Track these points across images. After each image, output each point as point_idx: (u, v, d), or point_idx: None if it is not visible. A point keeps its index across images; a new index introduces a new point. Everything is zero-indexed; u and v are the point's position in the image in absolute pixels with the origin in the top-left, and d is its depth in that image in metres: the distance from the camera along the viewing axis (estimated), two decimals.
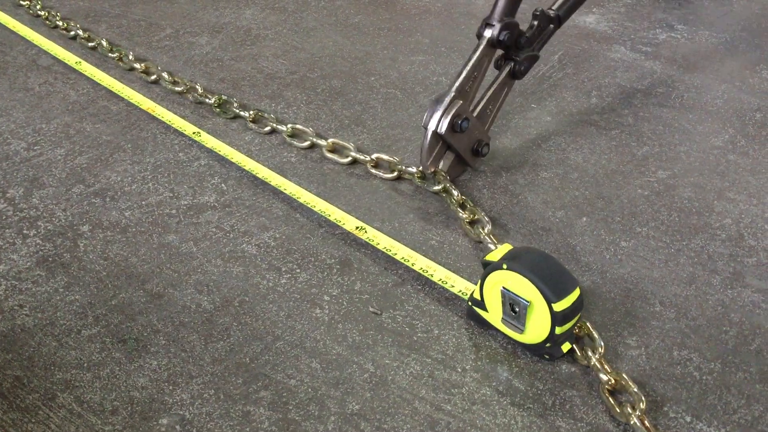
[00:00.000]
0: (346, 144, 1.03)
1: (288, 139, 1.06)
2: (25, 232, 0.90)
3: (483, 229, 0.88)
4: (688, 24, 1.43)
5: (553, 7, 1.02)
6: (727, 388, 0.72)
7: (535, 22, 1.00)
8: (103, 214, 0.93)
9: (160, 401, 0.70)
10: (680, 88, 1.22)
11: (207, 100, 1.14)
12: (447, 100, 0.91)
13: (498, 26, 0.95)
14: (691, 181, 1.00)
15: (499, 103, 1.01)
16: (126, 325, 0.78)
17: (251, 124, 1.10)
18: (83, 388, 0.71)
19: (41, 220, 0.92)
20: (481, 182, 1.00)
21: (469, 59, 0.95)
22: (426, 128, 0.92)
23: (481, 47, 0.95)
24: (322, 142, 1.04)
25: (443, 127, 0.91)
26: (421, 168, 0.96)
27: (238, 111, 1.12)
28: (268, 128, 1.09)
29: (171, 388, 0.71)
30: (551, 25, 1.02)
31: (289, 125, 1.07)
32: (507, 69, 0.99)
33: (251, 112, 1.10)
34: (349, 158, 1.02)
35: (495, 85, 0.99)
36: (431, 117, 0.91)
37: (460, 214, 0.91)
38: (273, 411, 0.69)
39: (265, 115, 1.11)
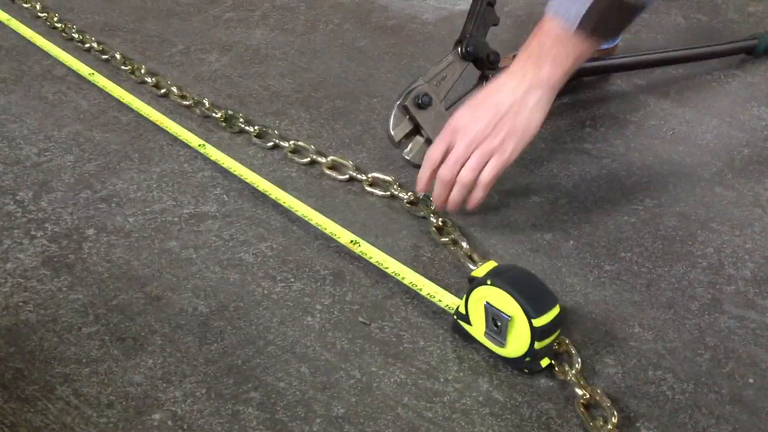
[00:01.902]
0: (345, 162, 1.07)
1: (289, 154, 1.10)
2: (32, 233, 0.94)
3: (460, 249, 0.93)
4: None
5: None
6: (698, 407, 0.75)
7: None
8: (108, 219, 0.97)
9: (153, 397, 0.73)
10: (672, 122, 1.26)
11: (214, 115, 1.19)
12: (414, 81, 1.03)
13: (465, 41, 1.08)
14: (676, 211, 1.04)
15: None
16: (125, 324, 0.82)
17: (255, 139, 1.14)
18: (81, 381, 0.75)
19: (48, 222, 0.96)
20: None
21: (442, 59, 1.08)
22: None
23: (452, 53, 1.08)
24: (322, 159, 1.08)
25: (408, 100, 1.01)
26: (414, 193, 1.02)
27: (243, 126, 1.16)
28: (270, 143, 1.13)
29: (165, 385, 0.75)
30: None
31: (291, 141, 1.11)
32: (479, 83, 1.12)
33: (256, 128, 1.15)
34: (347, 176, 1.06)
35: (470, 93, 1.09)
36: (399, 96, 1.03)
37: (440, 239, 0.96)
38: (261, 411, 0.73)
39: (269, 130, 1.15)
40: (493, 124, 0.89)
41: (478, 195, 0.93)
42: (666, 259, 0.95)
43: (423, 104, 1.02)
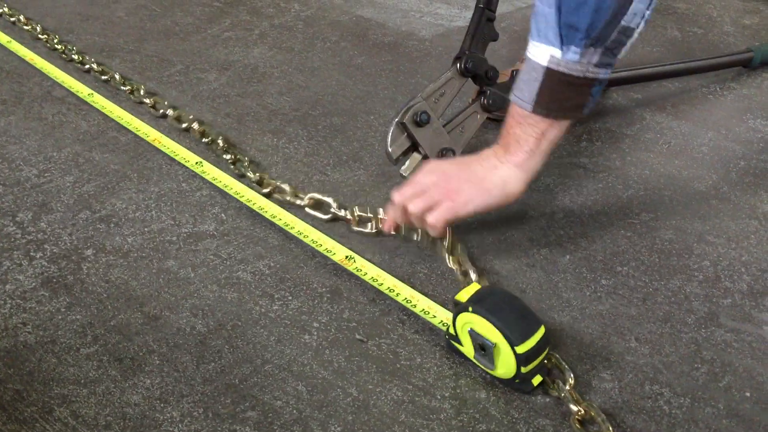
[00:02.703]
0: (326, 199, 1.03)
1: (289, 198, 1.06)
2: (32, 254, 0.95)
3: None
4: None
5: None
6: (695, 422, 0.75)
7: (511, 78, 1.15)
8: (107, 239, 0.98)
9: (151, 418, 0.74)
10: (668, 135, 1.27)
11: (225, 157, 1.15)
12: (412, 99, 1.04)
13: (465, 57, 1.09)
14: (672, 224, 1.04)
15: (472, 128, 1.11)
16: (123, 344, 0.82)
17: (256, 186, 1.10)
18: (79, 403, 0.75)
19: (48, 243, 0.97)
20: (470, 219, 1.03)
21: (440, 76, 1.08)
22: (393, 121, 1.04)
23: (451, 70, 1.09)
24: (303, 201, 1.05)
25: (406, 117, 1.02)
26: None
27: (245, 171, 1.11)
28: (267, 190, 1.08)
29: (162, 405, 0.75)
30: None
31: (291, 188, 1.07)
32: (479, 100, 1.11)
33: (257, 174, 1.10)
34: (330, 215, 1.03)
35: (466, 110, 1.10)
36: (398, 112, 1.03)
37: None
38: (258, 431, 0.73)
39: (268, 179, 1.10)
40: (457, 176, 0.93)
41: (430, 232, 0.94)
42: (662, 272, 0.95)
43: (421, 122, 1.03)
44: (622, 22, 0.81)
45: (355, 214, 1.01)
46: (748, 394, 0.79)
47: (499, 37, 1.19)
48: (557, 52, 0.84)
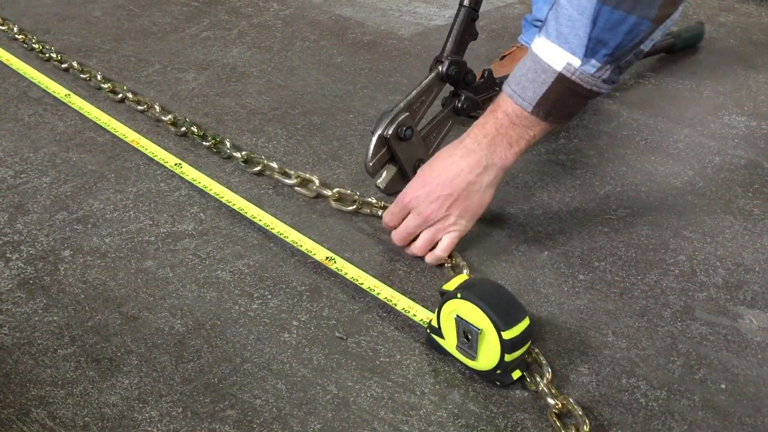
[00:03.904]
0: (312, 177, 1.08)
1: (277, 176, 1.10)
2: (8, 255, 0.94)
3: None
4: (656, 71, 1.50)
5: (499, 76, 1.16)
6: (671, 414, 0.76)
7: (482, 79, 1.14)
8: (85, 240, 0.97)
9: (129, 418, 0.73)
10: (644, 131, 1.28)
11: (204, 142, 1.19)
12: (395, 111, 1.00)
13: (447, 62, 1.07)
14: (649, 219, 1.05)
15: (443, 133, 1.09)
16: (101, 345, 0.82)
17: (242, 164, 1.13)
18: (56, 404, 0.74)
19: (24, 245, 0.96)
20: None
21: (420, 84, 1.05)
22: (373, 133, 1.00)
23: (431, 76, 1.07)
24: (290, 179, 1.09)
25: (389, 132, 0.99)
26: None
27: (231, 152, 1.15)
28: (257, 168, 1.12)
29: (141, 405, 0.75)
30: (496, 88, 1.13)
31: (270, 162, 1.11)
32: (451, 105, 1.09)
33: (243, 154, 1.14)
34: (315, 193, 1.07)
35: (440, 116, 1.08)
36: (379, 123, 1.00)
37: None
38: (237, 429, 0.73)
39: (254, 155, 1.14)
40: (447, 204, 0.92)
41: (434, 261, 0.95)
42: (639, 267, 0.96)
43: (405, 137, 1.00)
44: (641, 46, 0.82)
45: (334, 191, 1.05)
46: (723, 386, 0.80)
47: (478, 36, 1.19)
48: (576, 62, 0.82)
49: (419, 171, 0.96)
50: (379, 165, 1.01)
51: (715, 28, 1.73)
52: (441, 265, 0.95)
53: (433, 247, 0.94)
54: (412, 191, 0.93)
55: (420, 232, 0.94)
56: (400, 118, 1.00)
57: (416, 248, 0.94)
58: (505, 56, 1.40)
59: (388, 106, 1.02)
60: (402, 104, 1.02)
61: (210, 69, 1.44)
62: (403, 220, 0.94)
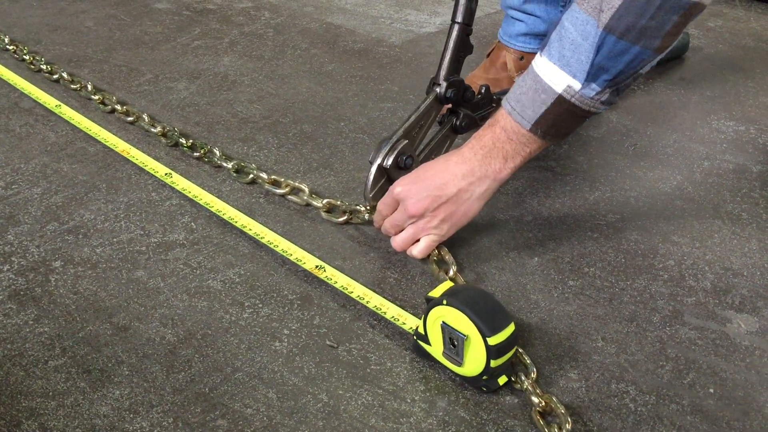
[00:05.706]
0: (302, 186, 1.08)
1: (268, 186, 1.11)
2: None
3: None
4: (645, 77, 1.50)
5: (496, 92, 1.17)
6: (660, 419, 0.76)
7: (479, 96, 1.12)
8: (75, 251, 0.97)
9: (120, 428, 0.73)
10: (634, 137, 1.29)
11: (196, 154, 1.19)
12: (394, 138, 1.00)
13: (444, 84, 1.05)
14: (638, 225, 1.06)
15: (443, 152, 1.08)
16: (92, 356, 0.82)
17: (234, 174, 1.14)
18: (47, 415, 0.74)
19: (15, 256, 0.96)
20: None
21: (418, 108, 1.04)
22: (372, 163, 0.99)
23: (429, 100, 1.05)
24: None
25: (388, 162, 0.99)
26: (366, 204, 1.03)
27: (220, 162, 1.16)
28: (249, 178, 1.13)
29: (132, 416, 0.75)
30: (493, 105, 1.13)
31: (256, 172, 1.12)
32: (449, 124, 1.08)
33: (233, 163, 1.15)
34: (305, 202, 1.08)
35: (438, 136, 1.07)
36: (378, 152, 0.99)
37: None
38: None
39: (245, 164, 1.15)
40: (434, 206, 0.92)
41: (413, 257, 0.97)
42: (628, 272, 0.97)
43: (405, 166, 1.00)
44: (641, 71, 0.83)
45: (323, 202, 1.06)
46: (711, 391, 0.80)
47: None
48: (576, 85, 0.83)
49: (416, 168, 0.97)
50: (380, 195, 1.00)
51: (703, 33, 1.74)
52: (427, 257, 0.96)
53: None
54: (404, 183, 0.94)
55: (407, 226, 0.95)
56: (399, 147, 0.99)
57: (396, 243, 0.96)
58: (490, 53, 1.41)
59: (386, 134, 1.01)
60: (401, 131, 1.00)
61: (201, 78, 1.45)
62: (394, 211, 0.95)
